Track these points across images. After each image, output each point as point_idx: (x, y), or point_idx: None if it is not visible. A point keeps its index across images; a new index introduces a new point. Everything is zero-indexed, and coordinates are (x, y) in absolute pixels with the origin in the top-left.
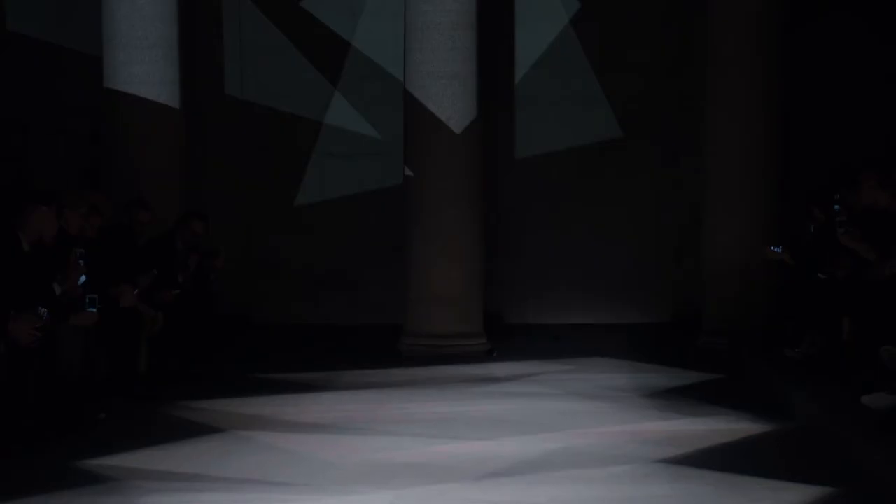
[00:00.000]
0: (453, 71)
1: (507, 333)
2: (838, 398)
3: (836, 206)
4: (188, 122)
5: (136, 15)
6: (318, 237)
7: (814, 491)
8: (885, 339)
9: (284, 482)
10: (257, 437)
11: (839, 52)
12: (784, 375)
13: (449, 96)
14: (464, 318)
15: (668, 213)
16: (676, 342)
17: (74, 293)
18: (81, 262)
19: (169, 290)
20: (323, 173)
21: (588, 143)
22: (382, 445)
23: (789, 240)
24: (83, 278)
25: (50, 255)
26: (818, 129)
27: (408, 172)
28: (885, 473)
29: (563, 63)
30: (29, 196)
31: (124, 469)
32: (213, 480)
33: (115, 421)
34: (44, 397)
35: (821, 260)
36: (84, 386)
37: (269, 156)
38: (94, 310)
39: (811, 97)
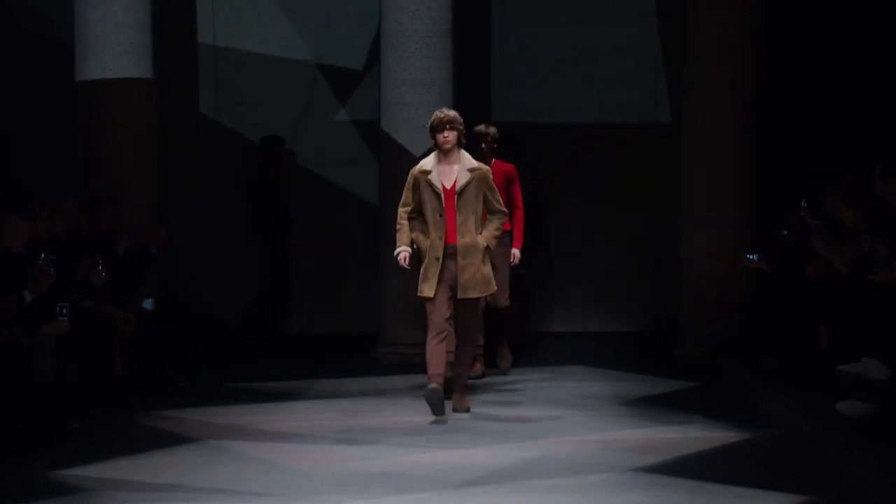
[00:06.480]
0: (428, 79)
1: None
2: (815, 406)
3: (802, 214)
4: (163, 131)
5: (109, 21)
6: (296, 246)
7: (790, 499)
8: (863, 347)
9: (259, 492)
10: (232, 447)
11: (821, 59)
12: (761, 383)
13: (424, 104)
14: None
15: (647, 220)
16: (654, 350)
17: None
18: (51, 269)
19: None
20: (300, 182)
21: (565, 150)
22: (357, 454)
23: (766, 247)
24: None
25: (19, 263)
26: (799, 136)
27: (383, 181)
28: (861, 480)
29: (541, 70)
30: None
31: (98, 479)
32: (187, 490)
33: (90, 430)
34: (18, 406)
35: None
36: (58, 394)
37: (246, 165)
38: (66, 318)
39: (792, 104)
